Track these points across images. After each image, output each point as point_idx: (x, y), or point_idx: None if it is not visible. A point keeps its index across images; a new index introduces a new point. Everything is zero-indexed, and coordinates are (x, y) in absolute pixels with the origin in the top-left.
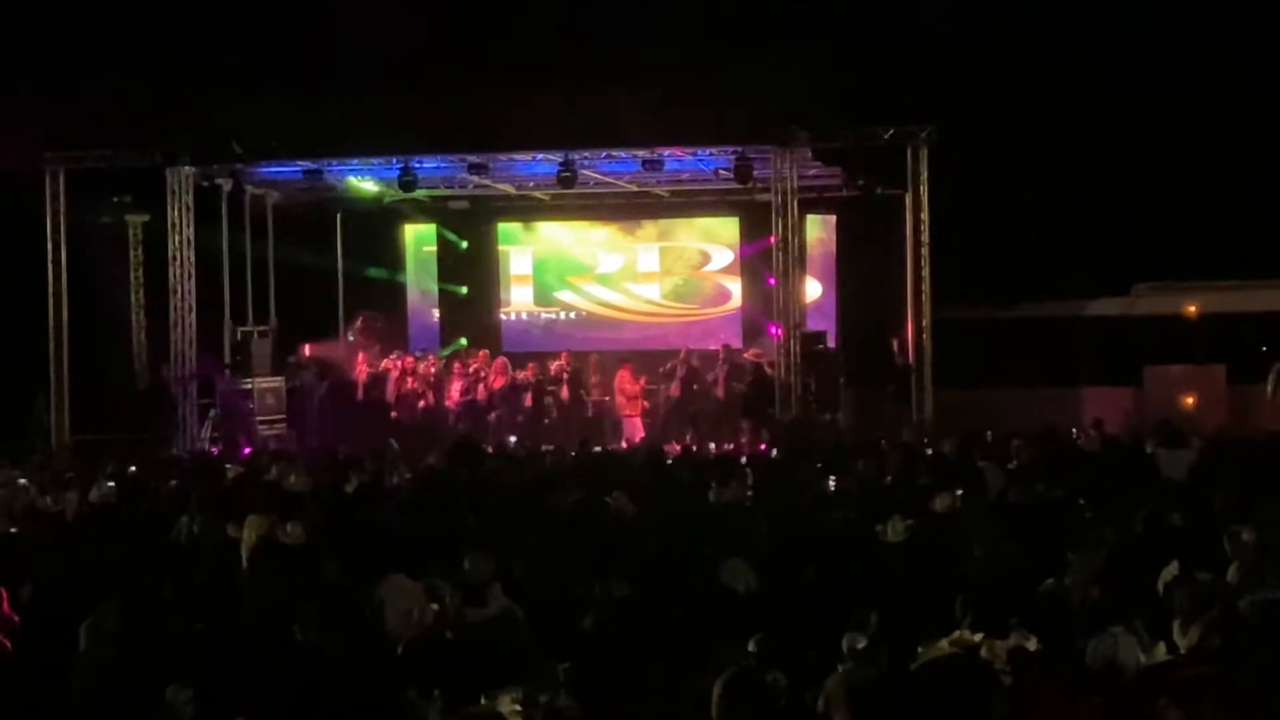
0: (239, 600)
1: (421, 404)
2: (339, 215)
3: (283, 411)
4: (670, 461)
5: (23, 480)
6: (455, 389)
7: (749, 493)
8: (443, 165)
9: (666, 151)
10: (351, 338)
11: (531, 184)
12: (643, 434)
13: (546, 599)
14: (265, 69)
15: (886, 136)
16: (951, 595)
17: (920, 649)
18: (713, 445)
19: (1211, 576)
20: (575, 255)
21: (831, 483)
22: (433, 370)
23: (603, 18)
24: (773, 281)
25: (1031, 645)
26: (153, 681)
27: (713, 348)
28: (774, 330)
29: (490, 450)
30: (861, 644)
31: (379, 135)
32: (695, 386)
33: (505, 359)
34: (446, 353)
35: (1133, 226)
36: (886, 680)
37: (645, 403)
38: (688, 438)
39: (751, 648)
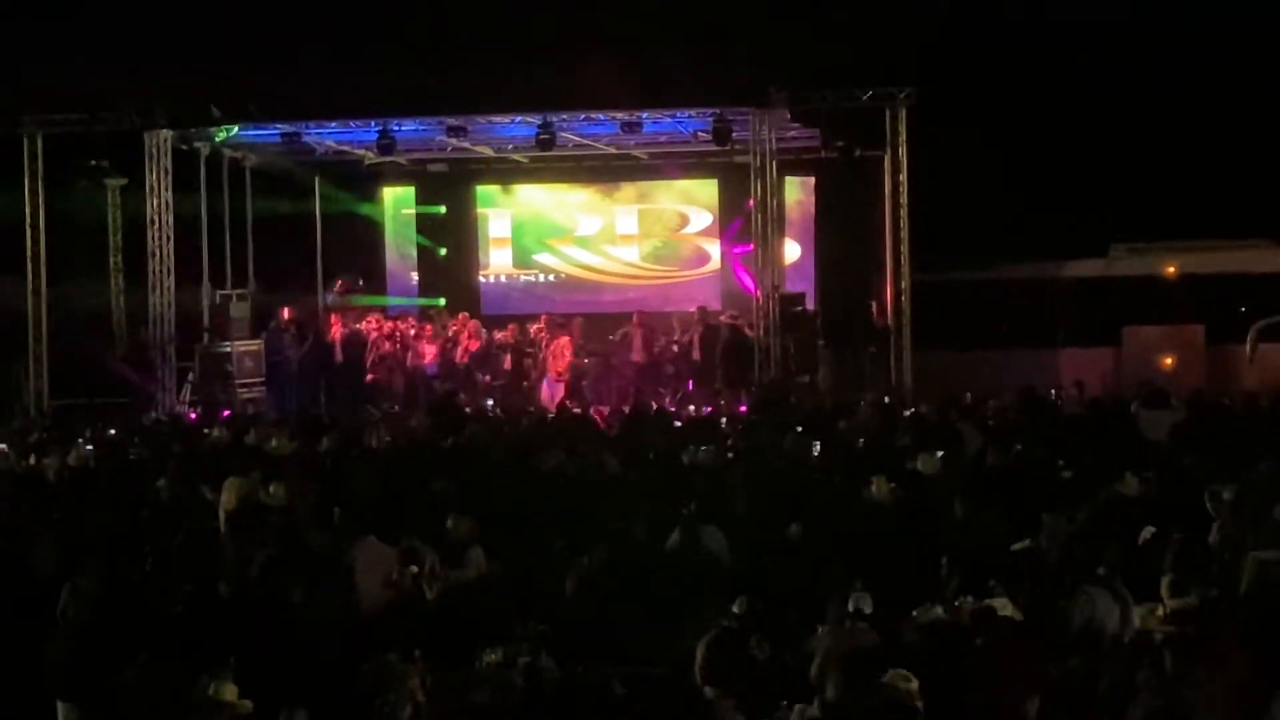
0: (218, 563)
1: (402, 366)
2: (317, 178)
3: (261, 375)
4: (648, 423)
5: (2, 444)
6: (428, 351)
7: (729, 454)
8: (421, 128)
9: (645, 114)
10: (330, 300)
11: (510, 146)
12: (561, 398)
13: (527, 561)
14: (243, 32)
15: (865, 98)
16: (935, 557)
17: (915, 613)
18: (691, 407)
19: (1195, 537)
20: (554, 218)
21: (815, 447)
22: (411, 332)
23: None
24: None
25: (1008, 607)
26: (131, 644)
27: (690, 309)
28: (747, 280)
29: (468, 413)
30: (868, 608)
31: (357, 98)
32: (656, 349)
33: (479, 322)
34: (417, 302)
35: (1110, 187)
36: (882, 646)
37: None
38: (666, 400)
39: (736, 609)
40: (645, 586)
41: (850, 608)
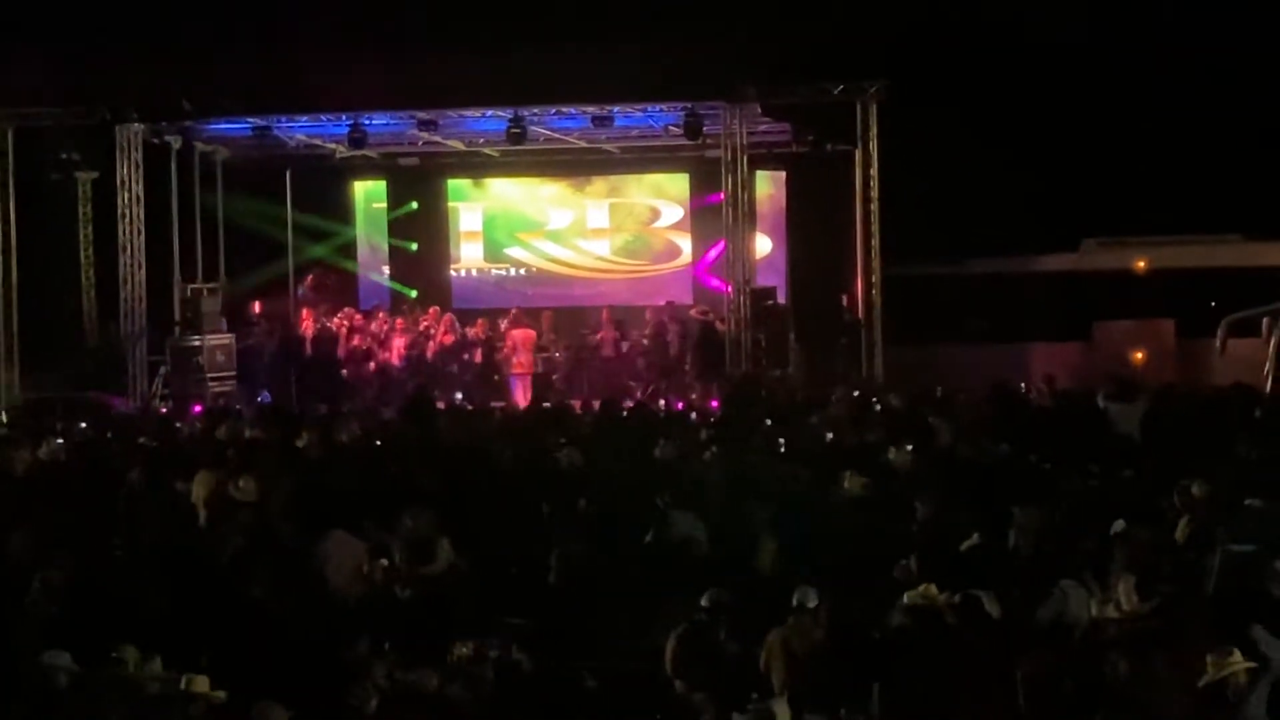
0: (190, 557)
1: (371, 362)
2: (288, 172)
3: (233, 369)
4: (621, 417)
5: None
6: (399, 344)
7: (701, 449)
8: (392, 122)
9: (616, 108)
10: (302, 294)
11: (481, 140)
12: (528, 396)
13: (499, 555)
14: (214, 25)
15: (836, 92)
16: (902, 551)
17: (880, 607)
18: (663, 401)
19: (1161, 531)
20: (525, 212)
21: (781, 444)
22: (385, 328)
23: None
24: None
25: (987, 601)
26: (101, 638)
27: (660, 303)
28: (717, 284)
29: (440, 406)
30: (812, 602)
31: (328, 92)
32: (627, 343)
33: (452, 315)
34: (390, 285)
35: (1081, 182)
36: (826, 642)
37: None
38: (637, 394)
39: (704, 603)
40: (617, 580)
41: (795, 602)
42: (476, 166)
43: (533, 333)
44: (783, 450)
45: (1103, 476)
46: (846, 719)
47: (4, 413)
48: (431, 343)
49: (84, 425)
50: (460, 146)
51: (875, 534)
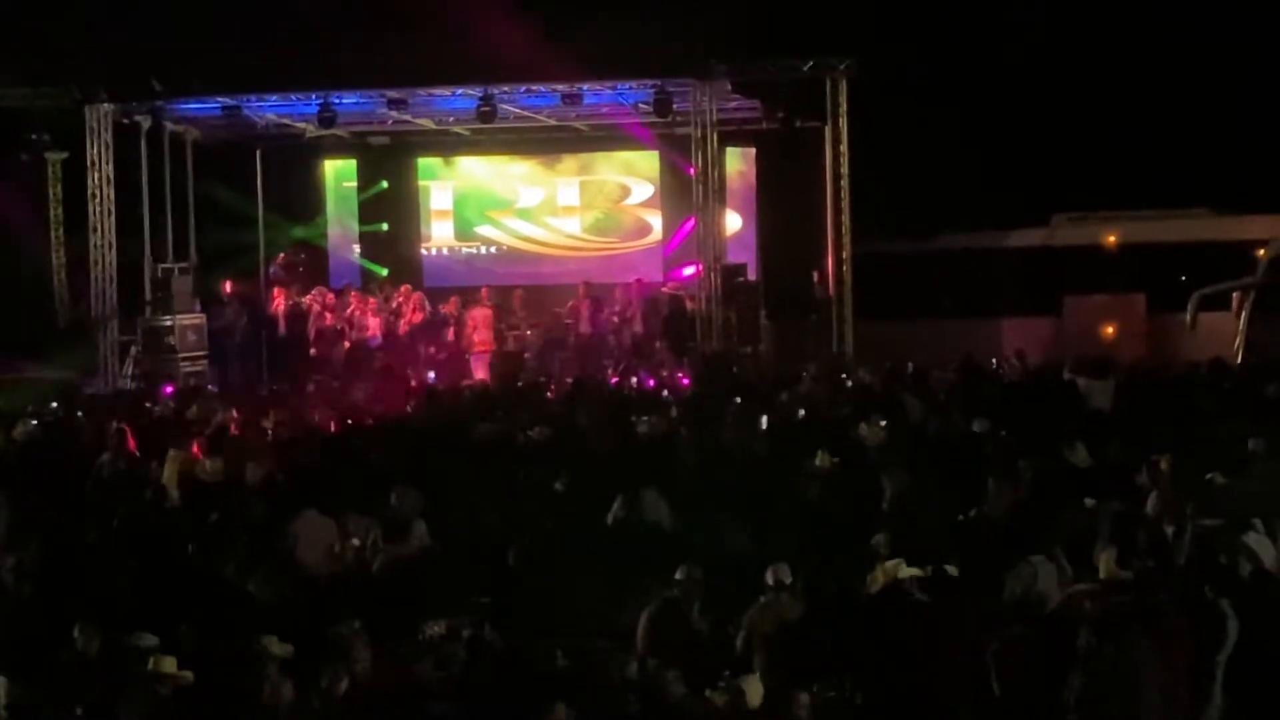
0: (160, 537)
1: (346, 342)
2: (259, 152)
3: (204, 349)
4: (593, 395)
5: None
6: (372, 324)
7: (682, 428)
8: (362, 101)
9: (585, 86)
10: (273, 273)
11: (451, 119)
12: (484, 373)
13: (470, 533)
14: (184, 5)
15: (806, 69)
16: (874, 527)
17: (853, 583)
18: (634, 379)
19: (1131, 506)
20: (495, 190)
21: (764, 420)
22: (356, 307)
23: None
24: (692, 170)
25: (955, 576)
26: (72, 618)
27: (630, 281)
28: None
29: (412, 385)
30: (788, 578)
31: (298, 71)
32: (599, 321)
33: (422, 294)
34: (362, 263)
35: (1051, 157)
36: (807, 618)
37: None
38: (609, 372)
39: (678, 576)
40: (588, 558)
41: (770, 580)
42: (447, 145)
43: (489, 310)
44: (758, 427)
45: (1074, 452)
46: (819, 695)
47: None
48: (402, 321)
49: (55, 405)
50: (430, 125)
51: (847, 509)
